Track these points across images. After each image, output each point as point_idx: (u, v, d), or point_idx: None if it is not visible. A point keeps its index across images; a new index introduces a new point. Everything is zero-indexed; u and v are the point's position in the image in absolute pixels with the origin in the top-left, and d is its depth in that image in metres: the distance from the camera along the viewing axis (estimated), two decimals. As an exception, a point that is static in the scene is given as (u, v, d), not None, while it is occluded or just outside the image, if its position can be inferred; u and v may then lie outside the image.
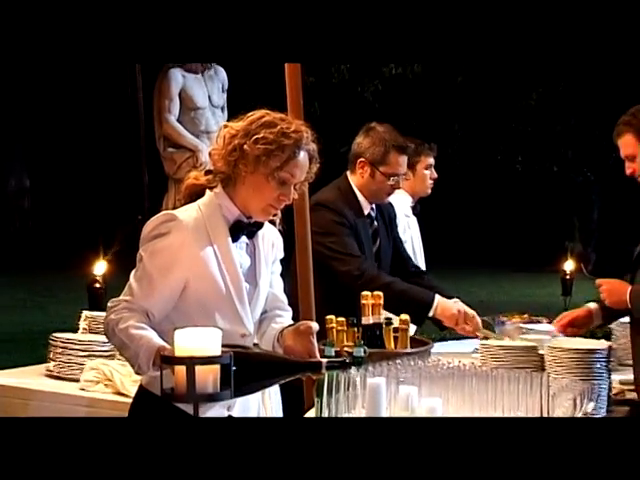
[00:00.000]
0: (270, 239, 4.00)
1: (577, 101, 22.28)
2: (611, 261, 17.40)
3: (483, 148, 20.06)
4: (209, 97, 7.30)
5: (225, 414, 3.90)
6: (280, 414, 5.12)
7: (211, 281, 3.77)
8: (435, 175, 7.04)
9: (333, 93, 20.52)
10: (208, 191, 3.88)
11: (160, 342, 3.60)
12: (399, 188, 5.95)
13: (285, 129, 3.78)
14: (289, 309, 4.15)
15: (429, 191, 7.05)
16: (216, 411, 3.84)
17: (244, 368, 3.14)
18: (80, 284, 6.80)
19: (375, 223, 5.87)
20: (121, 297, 3.76)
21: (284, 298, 4.13)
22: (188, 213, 3.80)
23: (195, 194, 3.91)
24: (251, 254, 3.91)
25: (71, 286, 8.34)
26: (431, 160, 7.01)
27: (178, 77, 7.13)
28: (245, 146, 3.75)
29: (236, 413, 3.94)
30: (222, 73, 7.43)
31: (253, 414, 4.20)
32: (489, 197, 20.36)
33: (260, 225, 3.93)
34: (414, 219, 7.03)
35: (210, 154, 3.96)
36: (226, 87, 7.44)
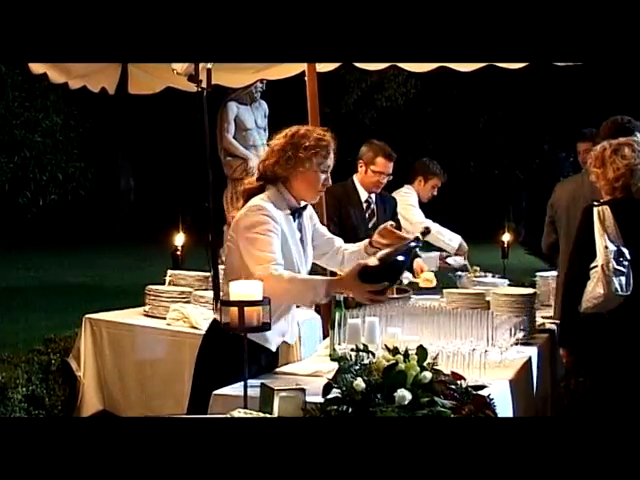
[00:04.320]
0: (308, 213, 3.87)
1: (511, 124, 22.24)
2: (534, 234, 17.41)
3: (447, 157, 19.97)
4: (255, 121, 7.26)
5: (280, 340, 3.85)
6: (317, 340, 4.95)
7: (284, 243, 3.62)
8: (435, 193, 6.94)
9: (342, 120, 20.44)
10: (270, 187, 3.70)
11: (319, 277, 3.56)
12: (384, 184, 5.91)
13: (318, 135, 3.69)
14: (338, 239, 4.04)
15: (426, 200, 6.95)
16: (277, 340, 3.80)
17: None
18: (166, 251, 6.77)
19: (372, 206, 5.86)
20: (264, 266, 3.46)
21: (331, 235, 4.02)
22: (268, 204, 3.62)
23: (251, 195, 3.72)
24: (299, 228, 3.78)
25: (160, 253, 8.30)
26: (438, 183, 6.90)
27: (233, 107, 7.10)
28: (299, 154, 3.64)
29: (288, 338, 3.89)
30: (264, 104, 7.40)
31: (296, 340, 4.14)
32: (451, 191, 20.28)
33: (305, 207, 3.82)
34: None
35: (264, 165, 3.75)
36: (267, 114, 7.40)
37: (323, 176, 3.72)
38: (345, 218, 5.72)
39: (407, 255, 3.45)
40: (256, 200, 3.66)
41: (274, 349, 3.80)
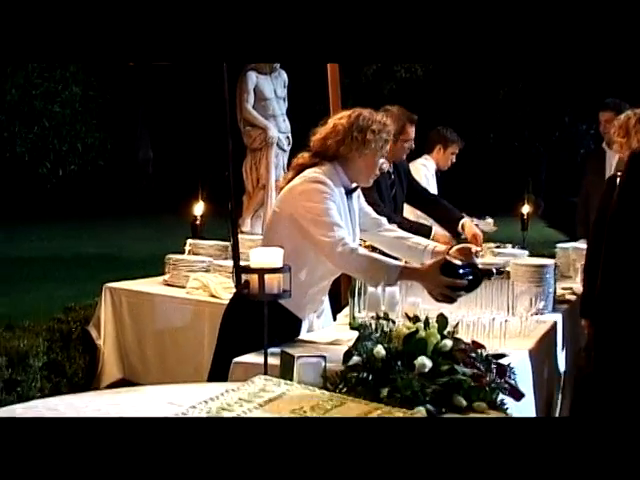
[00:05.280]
0: (356, 194, 3.83)
1: (532, 95, 22.09)
2: (553, 207, 17.34)
3: (466, 129, 19.93)
4: (274, 91, 7.21)
5: (313, 317, 3.86)
6: (330, 312, 4.90)
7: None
8: (454, 161, 7.09)
9: (362, 91, 20.35)
10: (326, 164, 3.65)
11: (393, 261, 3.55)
12: (412, 148, 5.85)
13: (382, 119, 3.69)
14: (383, 219, 4.02)
15: (446, 168, 7.10)
16: (310, 315, 3.82)
17: None
18: (186, 223, 6.78)
19: (392, 177, 5.75)
20: (331, 234, 3.44)
21: (376, 216, 4.00)
22: (325, 177, 3.58)
23: (302, 169, 3.67)
24: (350, 208, 3.74)
25: (180, 224, 8.32)
26: (457, 150, 7.05)
27: (253, 77, 7.05)
28: (367, 136, 3.62)
29: (317, 314, 3.91)
30: (284, 74, 7.35)
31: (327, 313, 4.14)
32: (471, 162, 20.24)
33: (356, 189, 3.79)
34: (434, 179, 7.07)
35: (325, 143, 3.68)
36: (287, 84, 7.36)
37: (381, 160, 3.74)
38: (377, 189, 5.62)
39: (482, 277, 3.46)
40: (312, 172, 3.62)
41: (305, 321, 3.79)
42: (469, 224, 5.55)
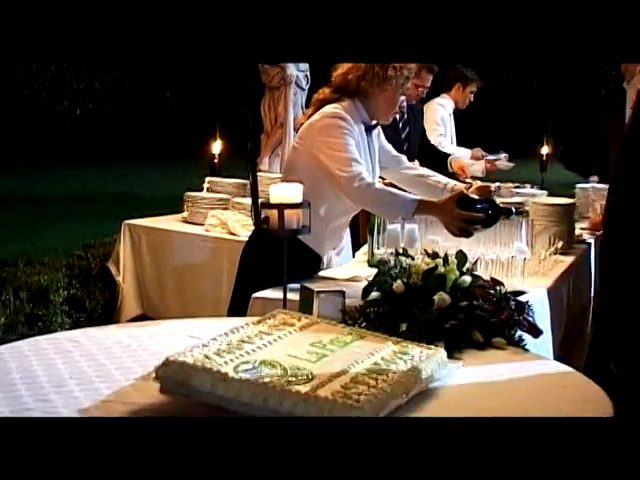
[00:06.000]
0: (376, 131, 3.84)
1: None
2: (571, 149, 17.21)
3: (487, 71, 19.78)
4: (293, 29, 7.16)
5: (332, 253, 3.87)
6: (350, 249, 4.88)
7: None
8: (472, 100, 7.12)
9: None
10: (347, 99, 3.64)
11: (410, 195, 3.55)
12: (423, 96, 5.86)
13: None
14: (403, 157, 4.02)
15: (464, 107, 7.13)
16: (329, 252, 3.82)
17: None
18: (205, 161, 6.77)
19: (405, 116, 5.76)
20: (348, 169, 3.45)
21: (397, 153, 4.01)
22: (346, 115, 3.58)
23: (323, 105, 3.66)
24: (369, 145, 3.75)
25: (199, 163, 8.34)
26: (475, 89, 7.08)
27: (272, 15, 7.00)
28: (388, 72, 3.60)
29: (336, 251, 3.91)
30: (302, 11, 7.28)
31: (346, 251, 4.14)
32: (491, 103, 20.10)
33: (376, 125, 3.79)
34: (452, 118, 7.04)
35: (346, 78, 3.66)
36: (305, 21, 7.30)
37: (401, 98, 3.72)
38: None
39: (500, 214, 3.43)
40: (332, 107, 3.61)
41: (324, 258, 3.80)
42: (456, 160, 5.70)
